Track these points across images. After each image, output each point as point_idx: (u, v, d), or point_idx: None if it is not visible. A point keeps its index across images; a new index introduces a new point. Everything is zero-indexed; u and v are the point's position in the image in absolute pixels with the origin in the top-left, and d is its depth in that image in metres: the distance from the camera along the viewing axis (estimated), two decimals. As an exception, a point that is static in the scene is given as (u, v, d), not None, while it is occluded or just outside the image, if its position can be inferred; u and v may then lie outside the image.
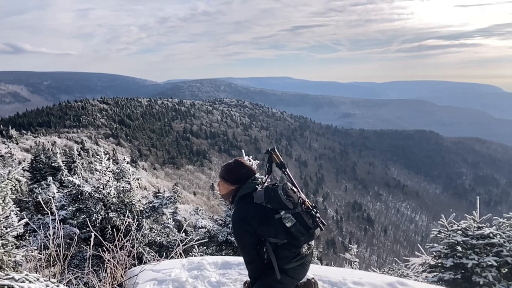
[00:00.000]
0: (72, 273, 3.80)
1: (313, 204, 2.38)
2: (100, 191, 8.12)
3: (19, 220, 4.11)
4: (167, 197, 9.73)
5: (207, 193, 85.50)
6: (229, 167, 2.47)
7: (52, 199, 7.04)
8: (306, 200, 2.39)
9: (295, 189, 2.43)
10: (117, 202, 8.46)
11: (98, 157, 8.64)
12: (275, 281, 2.38)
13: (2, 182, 3.51)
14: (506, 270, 4.65)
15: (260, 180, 2.47)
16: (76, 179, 8.39)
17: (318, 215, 2.32)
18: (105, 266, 3.74)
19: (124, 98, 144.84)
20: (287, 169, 2.62)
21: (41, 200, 4.24)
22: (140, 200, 8.97)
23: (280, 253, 2.34)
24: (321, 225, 2.33)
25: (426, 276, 5.52)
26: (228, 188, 2.47)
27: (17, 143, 63.46)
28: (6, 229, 3.67)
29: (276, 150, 2.62)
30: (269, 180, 2.54)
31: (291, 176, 2.58)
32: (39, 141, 63.54)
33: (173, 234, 9.74)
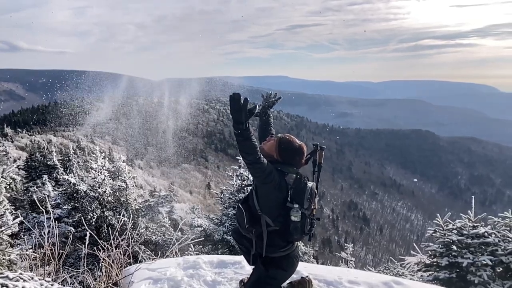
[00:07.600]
0: (67, 272, 3.79)
1: (318, 217, 2.44)
2: (95, 189, 8.10)
3: (14, 219, 4.08)
4: (163, 195, 9.72)
5: (203, 192, 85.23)
6: (291, 144, 2.38)
7: (47, 197, 6.99)
8: (316, 208, 2.42)
9: (316, 193, 2.45)
10: (112, 201, 8.45)
11: (94, 155, 8.62)
12: (269, 277, 2.41)
13: (-4, 180, 3.48)
14: (501, 269, 4.69)
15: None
16: (72, 177, 8.35)
17: (315, 226, 2.38)
18: (101, 265, 3.72)
19: (120, 96, 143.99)
20: (320, 171, 2.64)
21: (36, 198, 4.22)
22: (136, 198, 8.97)
23: (271, 239, 2.35)
24: (311, 236, 2.40)
25: (422, 275, 5.55)
26: (273, 153, 2.39)
27: (12, 141, 63.04)
28: (1, 227, 3.64)
29: (323, 150, 2.65)
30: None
31: (319, 180, 2.61)
32: (35, 139, 63.06)
33: (169, 233, 9.72)
